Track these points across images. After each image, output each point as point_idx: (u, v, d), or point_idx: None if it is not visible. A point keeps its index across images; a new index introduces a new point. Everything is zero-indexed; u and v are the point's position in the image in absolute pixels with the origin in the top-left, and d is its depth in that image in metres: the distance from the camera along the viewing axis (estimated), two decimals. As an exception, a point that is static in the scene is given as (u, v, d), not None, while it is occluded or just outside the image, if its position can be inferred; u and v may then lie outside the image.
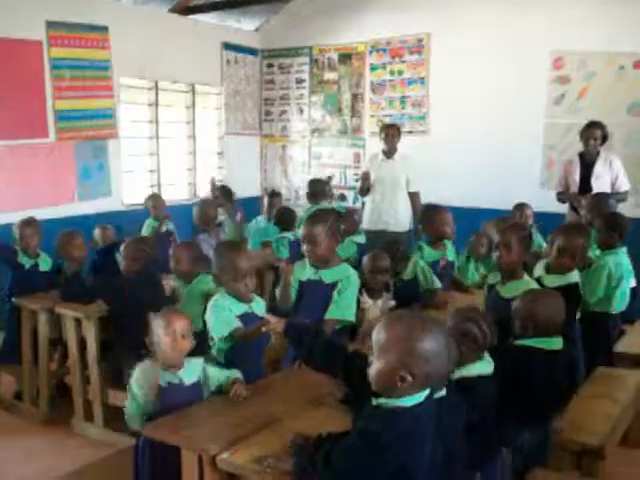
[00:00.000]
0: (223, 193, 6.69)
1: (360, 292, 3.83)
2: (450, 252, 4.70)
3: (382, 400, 1.91)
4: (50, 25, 6.39)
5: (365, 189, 6.43)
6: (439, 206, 4.83)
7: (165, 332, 2.75)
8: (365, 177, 6.40)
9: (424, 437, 1.86)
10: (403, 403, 1.87)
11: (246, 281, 3.17)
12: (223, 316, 3.10)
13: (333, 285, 3.54)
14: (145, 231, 6.02)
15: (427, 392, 1.89)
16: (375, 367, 1.91)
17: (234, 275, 3.14)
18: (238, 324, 3.09)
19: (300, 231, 3.64)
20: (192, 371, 2.82)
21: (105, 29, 6.87)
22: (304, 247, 3.60)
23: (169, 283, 4.47)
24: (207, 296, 3.80)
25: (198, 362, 2.87)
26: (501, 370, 2.66)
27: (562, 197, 5.96)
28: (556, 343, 2.93)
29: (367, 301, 3.92)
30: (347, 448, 1.91)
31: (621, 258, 4.30)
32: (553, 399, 2.91)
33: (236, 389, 2.79)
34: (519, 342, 2.95)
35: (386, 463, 1.82)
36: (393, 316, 2.00)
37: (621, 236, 4.35)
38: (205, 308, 3.30)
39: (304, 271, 3.61)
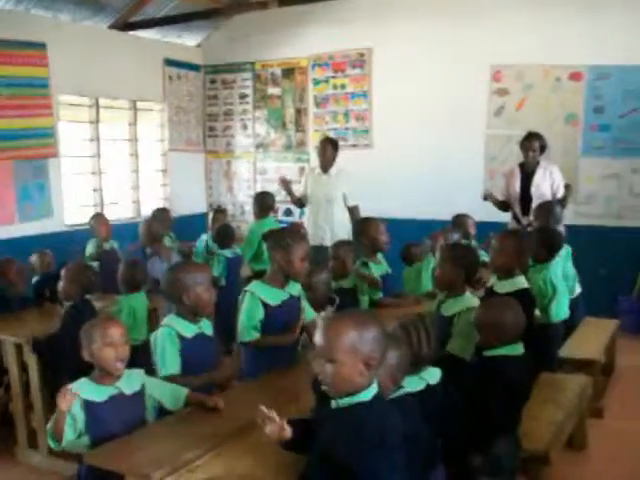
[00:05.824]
0: (159, 214, 6.48)
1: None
2: (384, 265, 4.75)
3: (344, 400, 1.94)
4: (-15, 43, 6.26)
5: (294, 198, 6.47)
6: (372, 218, 4.93)
7: (103, 341, 2.68)
8: (285, 182, 6.43)
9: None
10: (364, 398, 1.93)
11: (203, 292, 3.12)
12: (171, 353, 3.04)
13: (299, 297, 3.55)
14: (89, 250, 5.93)
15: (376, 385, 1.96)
16: (331, 371, 1.91)
17: (189, 287, 3.08)
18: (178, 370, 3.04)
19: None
20: (132, 381, 2.78)
21: (43, 46, 6.74)
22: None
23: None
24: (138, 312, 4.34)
25: (138, 372, 2.84)
26: (470, 382, 2.77)
27: (489, 199, 6.09)
28: (519, 349, 3.00)
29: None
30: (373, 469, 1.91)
31: (550, 273, 4.25)
32: (521, 403, 2.97)
33: (217, 401, 2.82)
34: (487, 353, 3.00)
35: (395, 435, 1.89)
36: (332, 319, 2.04)
37: (551, 252, 4.32)
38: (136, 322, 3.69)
39: (271, 294, 3.41)
